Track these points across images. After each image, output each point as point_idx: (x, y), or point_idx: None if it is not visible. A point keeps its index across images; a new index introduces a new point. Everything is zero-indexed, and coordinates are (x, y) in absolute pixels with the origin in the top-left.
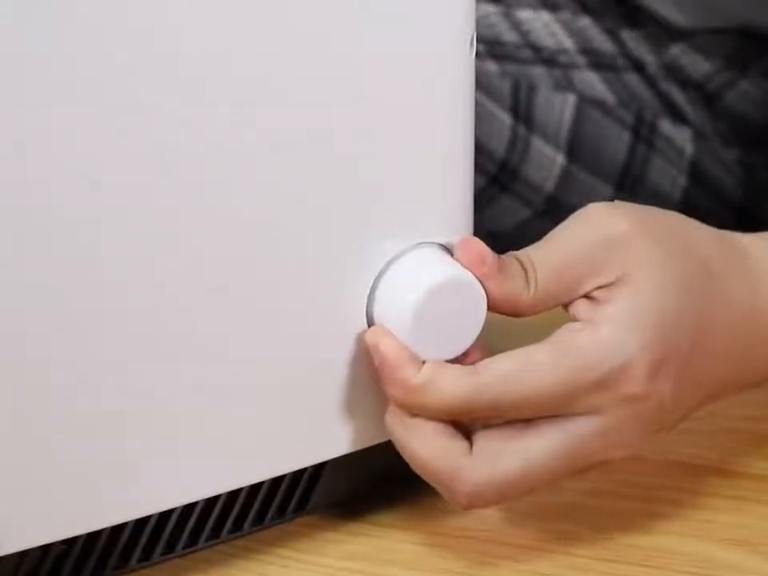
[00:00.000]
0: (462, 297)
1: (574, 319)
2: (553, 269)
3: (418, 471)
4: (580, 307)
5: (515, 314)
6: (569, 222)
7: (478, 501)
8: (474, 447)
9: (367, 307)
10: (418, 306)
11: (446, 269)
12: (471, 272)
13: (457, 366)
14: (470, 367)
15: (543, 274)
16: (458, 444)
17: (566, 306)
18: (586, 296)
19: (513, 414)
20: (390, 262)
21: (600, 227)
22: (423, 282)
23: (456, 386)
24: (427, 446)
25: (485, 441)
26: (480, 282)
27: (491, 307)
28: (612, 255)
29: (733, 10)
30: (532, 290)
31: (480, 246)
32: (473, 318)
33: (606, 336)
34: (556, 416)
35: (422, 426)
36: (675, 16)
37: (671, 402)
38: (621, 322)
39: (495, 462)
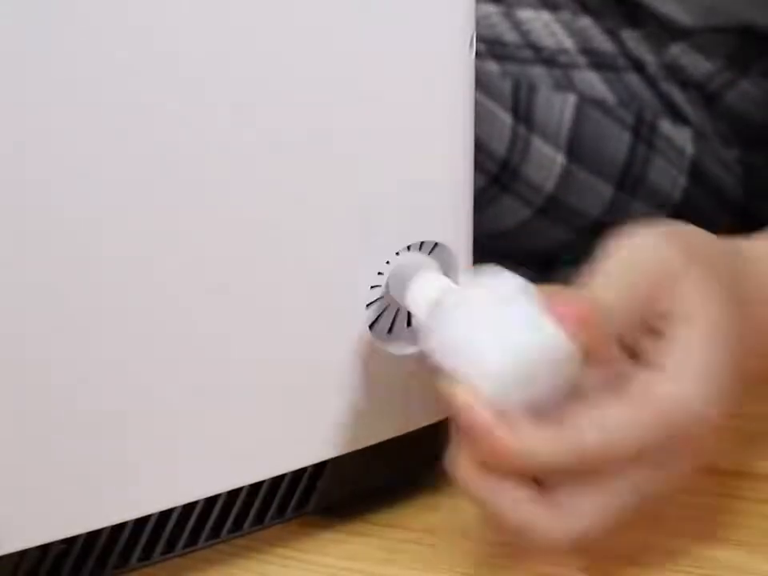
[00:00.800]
0: (560, 362)
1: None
2: (624, 309)
3: (498, 528)
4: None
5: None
6: (617, 252)
7: (554, 550)
8: (556, 503)
9: (422, 335)
10: (515, 375)
11: (547, 335)
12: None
13: (552, 428)
14: (567, 432)
15: (618, 315)
16: (540, 507)
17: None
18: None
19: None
20: (445, 290)
21: (652, 257)
22: (521, 347)
23: (554, 451)
24: (518, 511)
25: (568, 498)
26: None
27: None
28: (669, 286)
29: (734, 9)
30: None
31: (584, 309)
32: (565, 377)
33: (689, 391)
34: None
35: (511, 490)
36: (677, 14)
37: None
38: (699, 375)
39: (578, 520)
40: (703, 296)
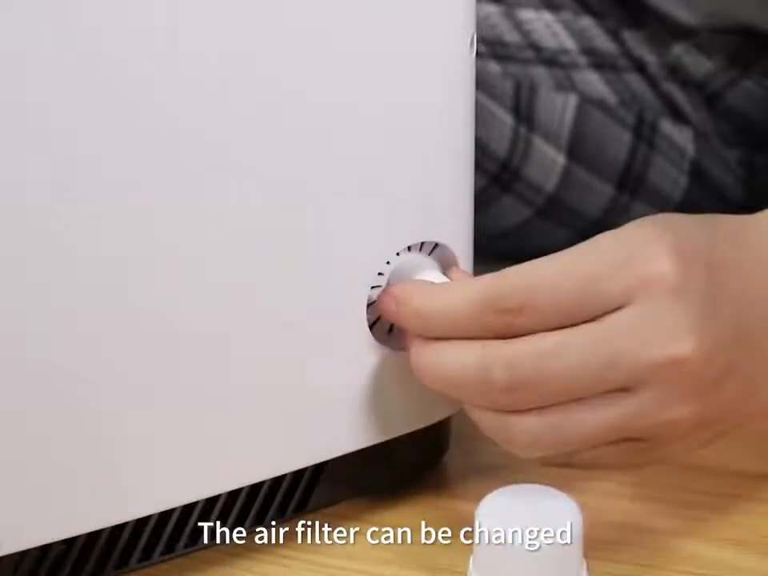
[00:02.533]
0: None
1: None
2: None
3: (451, 389)
4: None
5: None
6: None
7: (519, 388)
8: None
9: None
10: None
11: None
12: None
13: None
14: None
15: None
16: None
17: None
18: None
19: (532, 321)
20: None
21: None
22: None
23: (467, 290)
24: (453, 353)
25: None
26: None
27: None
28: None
29: (738, 8)
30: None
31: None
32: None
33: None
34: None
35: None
36: (680, 13)
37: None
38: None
39: (536, 342)
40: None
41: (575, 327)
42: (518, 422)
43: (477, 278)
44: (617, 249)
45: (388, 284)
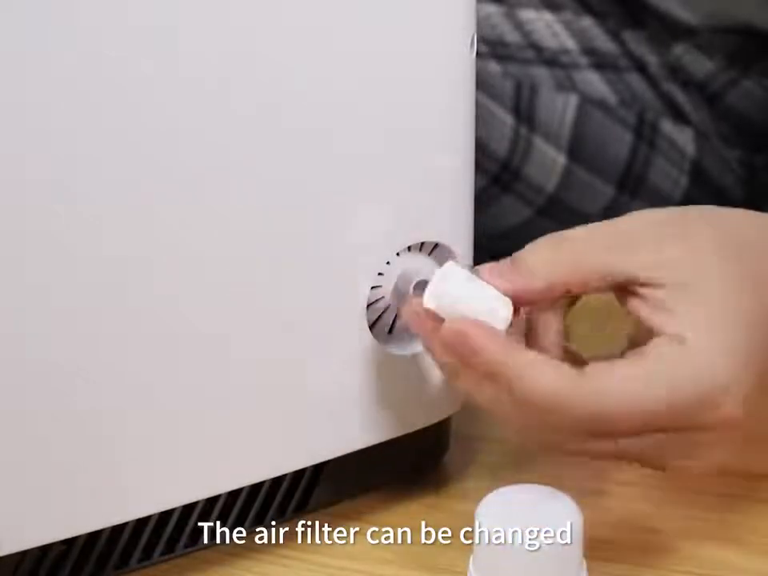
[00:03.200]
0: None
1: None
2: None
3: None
4: (641, 309)
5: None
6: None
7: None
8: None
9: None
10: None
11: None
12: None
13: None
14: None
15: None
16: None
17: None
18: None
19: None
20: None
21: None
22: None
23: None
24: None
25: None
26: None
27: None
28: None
29: (738, 8)
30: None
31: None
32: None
33: (703, 361)
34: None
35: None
36: (681, 13)
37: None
38: (713, 343)
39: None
40: (699, 259)
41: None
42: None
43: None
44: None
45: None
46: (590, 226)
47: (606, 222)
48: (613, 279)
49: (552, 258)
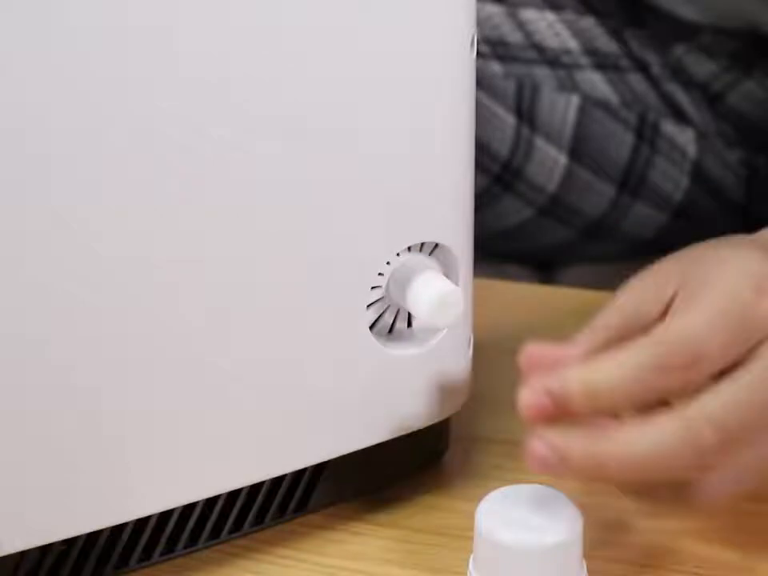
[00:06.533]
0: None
1: None
2: None
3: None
4: None
5: None
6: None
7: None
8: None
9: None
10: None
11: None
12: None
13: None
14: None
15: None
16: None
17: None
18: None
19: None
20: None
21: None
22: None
23: (632, 355)
24: (649, 433)
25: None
26: None
27: None
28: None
29: (745, 8)
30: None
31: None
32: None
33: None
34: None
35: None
36: (685, 11)
37: None
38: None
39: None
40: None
41: (743, 368)
42: (719, 476)
43: (633, 343)
44: (748, 277)
45: (388, 286)
46: None
47: None
48: None
49: None
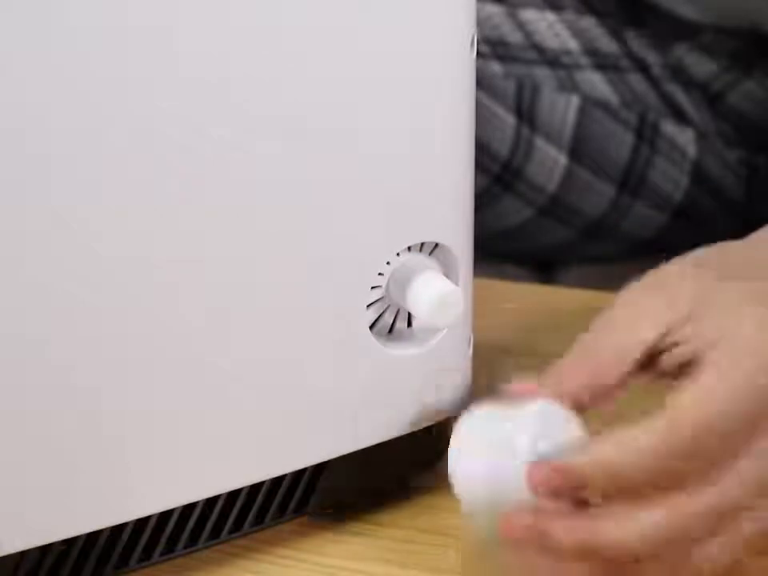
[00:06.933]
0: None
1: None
2: None
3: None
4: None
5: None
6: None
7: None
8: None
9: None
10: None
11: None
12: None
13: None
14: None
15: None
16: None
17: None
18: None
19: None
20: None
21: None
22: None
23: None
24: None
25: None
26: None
27: None
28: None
29: (745, 8)
30: None
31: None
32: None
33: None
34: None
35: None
36: (686, 10)
37: None
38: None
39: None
40: (724, 317)
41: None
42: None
43: (645, 427)
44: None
45: (388, 286)
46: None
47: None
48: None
49: None
